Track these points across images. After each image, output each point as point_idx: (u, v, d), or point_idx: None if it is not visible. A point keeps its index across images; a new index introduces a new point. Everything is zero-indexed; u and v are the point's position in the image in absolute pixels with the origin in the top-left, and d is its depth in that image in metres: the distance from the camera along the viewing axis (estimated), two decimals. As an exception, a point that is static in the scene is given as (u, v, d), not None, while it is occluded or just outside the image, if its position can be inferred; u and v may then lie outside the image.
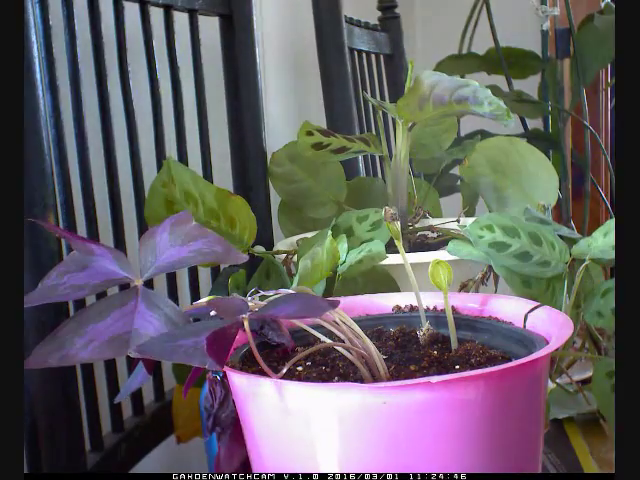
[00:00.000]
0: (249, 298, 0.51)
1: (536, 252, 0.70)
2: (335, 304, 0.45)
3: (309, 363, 0.51)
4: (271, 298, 0.51)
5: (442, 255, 0.75)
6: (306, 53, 1.37)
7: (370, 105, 1.37)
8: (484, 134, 1.28)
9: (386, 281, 0.75)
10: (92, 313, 0.41)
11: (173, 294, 0.86)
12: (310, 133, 0.88)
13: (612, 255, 0.68)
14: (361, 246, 0.76)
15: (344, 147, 0.88)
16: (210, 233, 0.46)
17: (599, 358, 0.76)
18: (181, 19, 0.90)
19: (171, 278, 0.86)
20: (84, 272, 0.42)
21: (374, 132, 1.35)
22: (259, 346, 0.51)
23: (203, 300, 0.54)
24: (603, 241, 0.70)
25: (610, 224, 0.71)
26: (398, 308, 0.61)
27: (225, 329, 0.41)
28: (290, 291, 0.51)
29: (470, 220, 0.89)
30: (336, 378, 0.49)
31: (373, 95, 1.41)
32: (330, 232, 0.75)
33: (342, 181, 0.98)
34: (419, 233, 0.91)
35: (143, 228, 0.81)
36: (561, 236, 0.74)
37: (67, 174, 0.72)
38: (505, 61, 1.48)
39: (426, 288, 0.57)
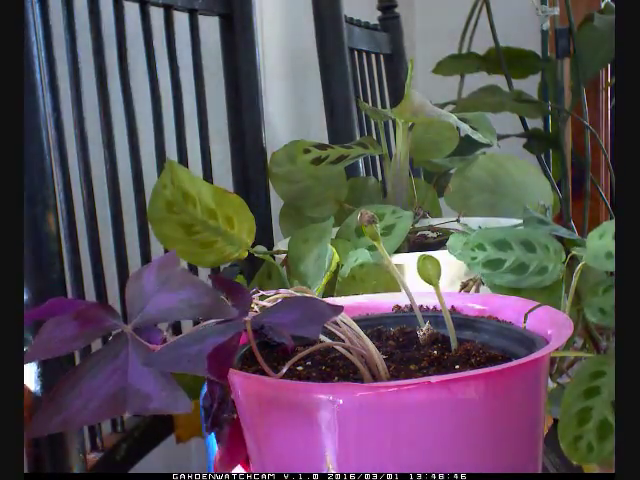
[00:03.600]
0: (249, 298, 0.51)
1: (531, 260, 0.69)
2: (338, 310, 0.44)
3: (309, 363, 0.51)
4: (271, 298, 0.51)
5: (442, 255, 0.74)
6: (306, 53, 1.37)
7: (370, 104, 1.37)
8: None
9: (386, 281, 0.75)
10: (85, 369, 0.40)
11: (173, 294, 0.86)
12: (307, 151, 0.88)
13: (605, 266, 0.68)
14: (356, 252, 0.76)
15: (342, 155, 0.89)
16: (198, 281, 0.45)
17: (594, 357, 0.76)
18: (181, 19, 0.90)
19: (171, 278, 0.86)
20: (76, 321, 0.42)
21: (374, 131, 1.35)
22: (259, 346, 0.51)
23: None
24: (598, 243, 0.69)
25: (606, 226, 0.70)
26: (398, 308, 0.61)
27: (226, 344, 0.41)
28: (290, 291, 0.51)
29: (470, 220, 0.89)
30: (336, 378, 0.49)
31: (373, 95, 1.41)
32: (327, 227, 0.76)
33: (342, 180, 0.98)
34: (419, 233, 0.91)
35: (144, 228, 0.81)
36: (560, 237, 0.74)
37: (67, 174, 0.72)
38: (505, 61, 1.48)
39: (427, 288, 0.57)
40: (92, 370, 0.40)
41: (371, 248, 0.76)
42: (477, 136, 0.78)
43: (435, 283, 0.54)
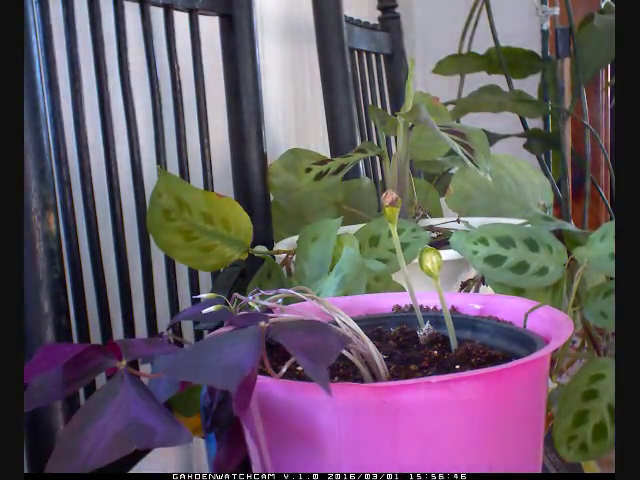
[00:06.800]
0: (250, 297, 0.51)
1: (533, 260, 0.69)
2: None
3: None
4: (271, 298, 0.51)
5: (444, 255, 0.74)
6: (306, 53, 1.37)
7: (370, 104, 1.37)
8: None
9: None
10: (89, 411, 0.40)
11: (173, 294, 0.86)
12: (308, 170, 0.89)
13: (610, 267, 0.68)
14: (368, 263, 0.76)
15: (342, 165, 0.90)
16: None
17: (595, 359, 0.76)
18: (181, 19, 0.90)
19: (171, 278, 0.86)
20: (68, 365, 0.42)
21: (374, 132, 1.35)
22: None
23: (204, 296, 0.54)
24: (600, 246, 0.69)
25: (607, 227, 0.70)
26: (398, 308, 0.61)
27: (249, 377, 0.41)
28: (290, 291, 0.51)
29: (470, 219, 0.89)
30: (336, 378, 0.49)
31: (373, 95, 1.41)
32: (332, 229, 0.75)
33: (338, 184, 0.99)
34: (419, 233, 0.91)
35: (143, 228, 0.81)
36: (564, 232, 0.74)
37: (67, 174, 0.72)
38: (505, 61, 1.48)
39: (429, 288, 0.57)
40: (96, 411, 0.40)
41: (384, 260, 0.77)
42: (470, 163, 0.77)
43: (435, 275, 0.54)
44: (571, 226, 0.76)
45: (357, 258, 0.72)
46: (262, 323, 0.44)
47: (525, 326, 0.54)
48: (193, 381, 0.43)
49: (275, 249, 0.87)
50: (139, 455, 0.78)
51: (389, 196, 0.53)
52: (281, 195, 0.98)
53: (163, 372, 0.41)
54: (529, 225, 0.79)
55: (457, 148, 0.77)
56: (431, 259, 0.53)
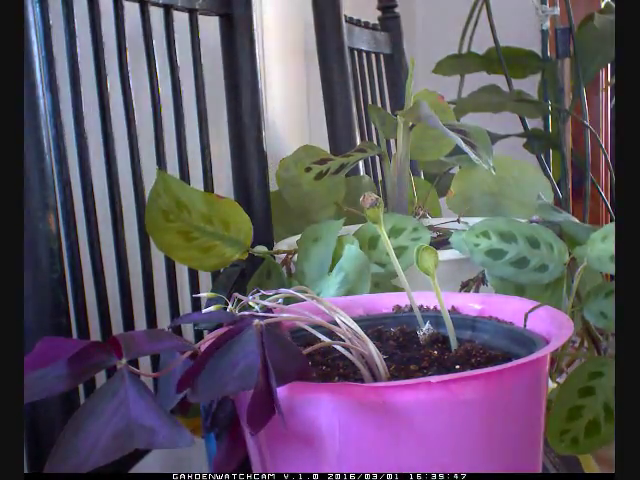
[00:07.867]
0: (250, 297, 0.51)
1: (534, 256, 0.70)
2: (309, 371, 0.45)
3: (309, 363, 0.51)
4: (272, 298, 0.51)
5: (444, 255, 0.74)
6: (306, 53, 1.37)
7: (370, 104, 1.37)
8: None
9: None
10: (88, 410, 0.40)
11: (173, 294, 0.86)
12: (308, 169, 0.89)
13: (609, 269, 0.68)
14: None
15: (343, 165, 0.90)
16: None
17: (595, 357, 0.76)
18: (181, 19, 0.90)
19: (171, 278, 0.86)
20: (68, 360, 0.42)
21: (374, 132, 1.35)
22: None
23: (204, 295, 0.54)
24: (601, 246, 0.69)
25: (608, 228, 0.70)
26: (398, 308, 0.61)
27: (257, 392, 0.41)
28: (290, 291, 0.51)
29: (471, 220, 0.89)
30: (336, 378, 0.49)
31: (373, 95, 1.41)
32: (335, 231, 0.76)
33: (341, 183, 0.99)
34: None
35: (143, 228, 0.81)
36: (565, 232, 0.74)
37: (67, 174, 0.72)
38: (505, 61, 1.48)
39: (429, 288, 0.57)
40: (95, 410, 0.40)
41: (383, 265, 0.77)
42: (474, 156, 0.78)
43: (432, 274, 0.54)
44: (576, 220, 0.77)
45: (360, 255, 0.72)
46: (256, 322, 0.44)
47: (525, 326, 0.54)
48: (220, 396, 0.43)
49: (275, 249, 0.87)
50: (139, 455, 0.78)
51: (368, 198, 0.53)
52: (287, 189, 0.99)
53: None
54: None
55: (461, 142, 0.77)
56: (428, 258, 0.53)
